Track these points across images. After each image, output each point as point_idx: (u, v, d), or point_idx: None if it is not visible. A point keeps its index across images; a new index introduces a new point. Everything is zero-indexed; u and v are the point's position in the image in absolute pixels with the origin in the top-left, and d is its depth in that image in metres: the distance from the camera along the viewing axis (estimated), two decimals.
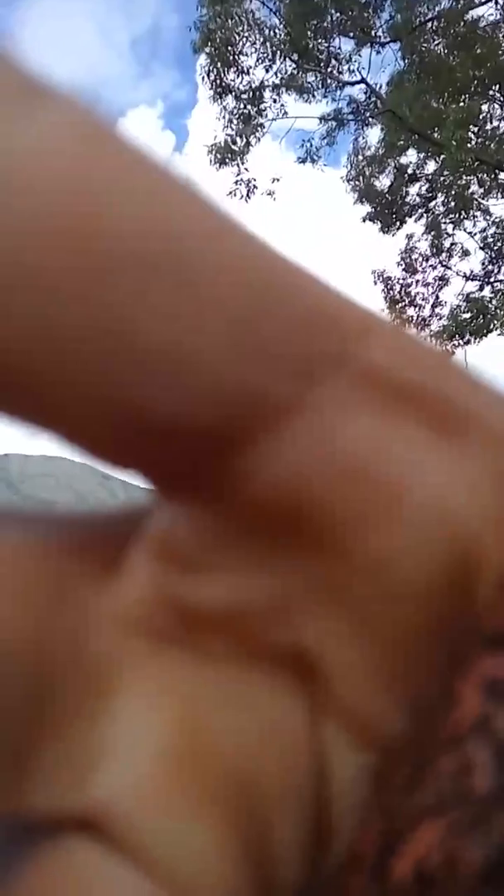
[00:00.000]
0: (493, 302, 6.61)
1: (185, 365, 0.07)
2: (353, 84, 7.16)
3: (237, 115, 6.95)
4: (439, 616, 0.08)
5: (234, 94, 6.90)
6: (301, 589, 0.08)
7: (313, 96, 7.12)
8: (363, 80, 7.11)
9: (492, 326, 6.50)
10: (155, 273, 0.06)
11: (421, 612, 0.08)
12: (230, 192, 7.10)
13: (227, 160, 7.04)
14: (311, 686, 0.08)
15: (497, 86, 6.27)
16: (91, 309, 0.06)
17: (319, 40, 6.77)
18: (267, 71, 6.85)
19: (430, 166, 7.01)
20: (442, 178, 6.71)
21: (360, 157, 7.25)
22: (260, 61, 6.78)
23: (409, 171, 7.09)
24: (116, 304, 0.06)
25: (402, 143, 6.82)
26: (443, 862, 0.07)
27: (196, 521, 0.08)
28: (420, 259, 7.14)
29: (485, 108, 6.28)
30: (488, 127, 6.38)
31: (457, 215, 6.85)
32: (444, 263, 7.07)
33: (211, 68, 6.69)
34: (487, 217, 6.83)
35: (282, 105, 7.18)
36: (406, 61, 6.52)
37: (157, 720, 0.08)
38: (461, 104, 6.11)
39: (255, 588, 0.08)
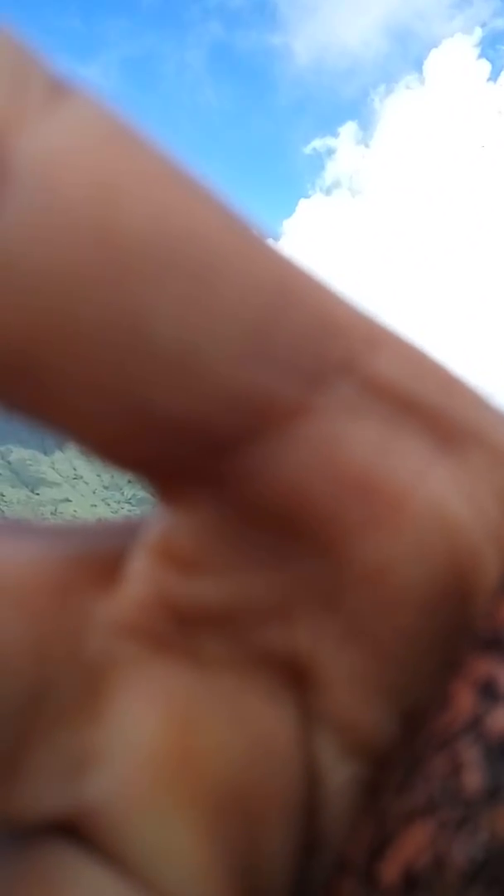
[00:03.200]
0: None
1: (196, 366, 0.07)
2: None
3: None
4: (436, 625, 0.08)
5: None
6: (298, 592, 0.08)
7: None
8: None
9: None
10: (171, 274, 0.07)
11: (417, 621, 0.08)
12: None
13: None
14: (303, 692, 0.08)
15: None
16: (107, 306, 0.06)
17: None
18: None
19: None
20: None
21: None
22: None
23: None
24: (132, 302, 0.07)
25: None
26: (430, 862, 0.07)
27: (196, 523, 0.08)
28: None
29: None
30: None
31: None
32: None
33: None
34: None
35: None
36: None
37: (148, 725, 0.08)
38: None
39: (252, 589, 0.08)
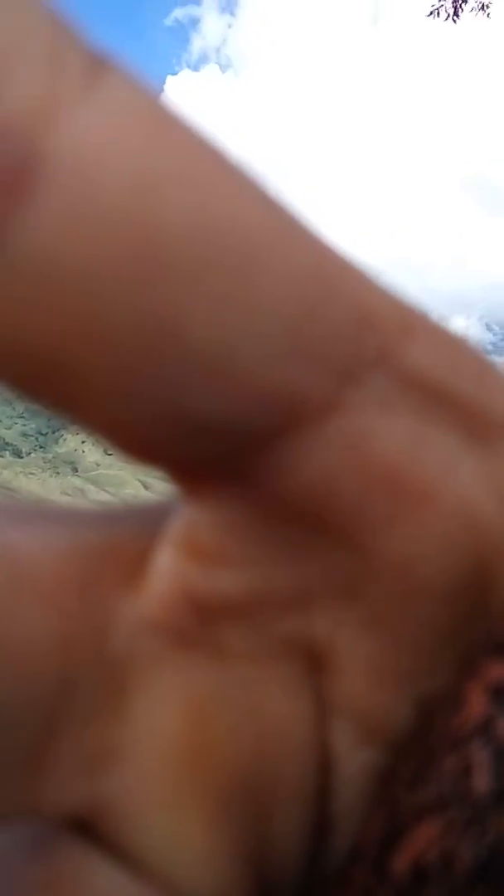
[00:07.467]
0: None
1: (230, 366, 0.07)
2: None
3: None
4: (455, 616, 0.08)
5: None
6: (319, 582, 0.08)
7: None
8: None
9: None
10: (208, 271, 0.06)
11: (438, 611, 0.08)
12: (432, 12, 5.72)
13: None
14: (319, 680, 0.08)
15: None
16: (141, 302, 0.06)
17: None
18: None
19: None
20: None
21: None
22: None
23: None
24: (167, 298, 0.06)
25: None
26: (439, 858, 0.07)
27: (220, 517, 0.08)
28: None
29: None
30: None
31: None
32: None
33: None
34: None
35: None
36: None
37: (168, 721, 0.08)
38: None
39: (274, 581, 0.08)
